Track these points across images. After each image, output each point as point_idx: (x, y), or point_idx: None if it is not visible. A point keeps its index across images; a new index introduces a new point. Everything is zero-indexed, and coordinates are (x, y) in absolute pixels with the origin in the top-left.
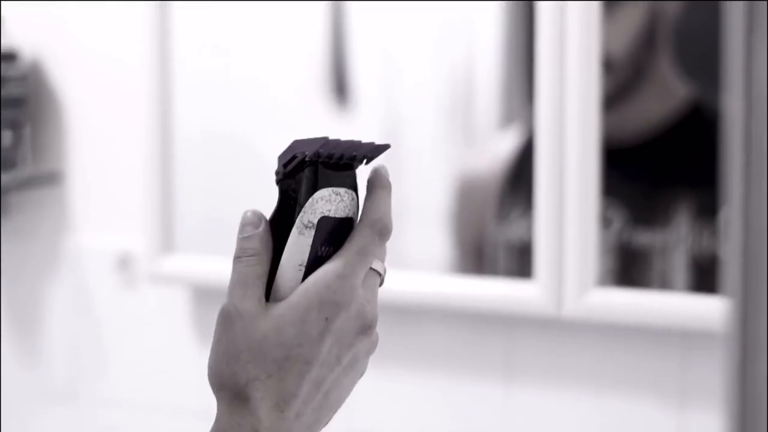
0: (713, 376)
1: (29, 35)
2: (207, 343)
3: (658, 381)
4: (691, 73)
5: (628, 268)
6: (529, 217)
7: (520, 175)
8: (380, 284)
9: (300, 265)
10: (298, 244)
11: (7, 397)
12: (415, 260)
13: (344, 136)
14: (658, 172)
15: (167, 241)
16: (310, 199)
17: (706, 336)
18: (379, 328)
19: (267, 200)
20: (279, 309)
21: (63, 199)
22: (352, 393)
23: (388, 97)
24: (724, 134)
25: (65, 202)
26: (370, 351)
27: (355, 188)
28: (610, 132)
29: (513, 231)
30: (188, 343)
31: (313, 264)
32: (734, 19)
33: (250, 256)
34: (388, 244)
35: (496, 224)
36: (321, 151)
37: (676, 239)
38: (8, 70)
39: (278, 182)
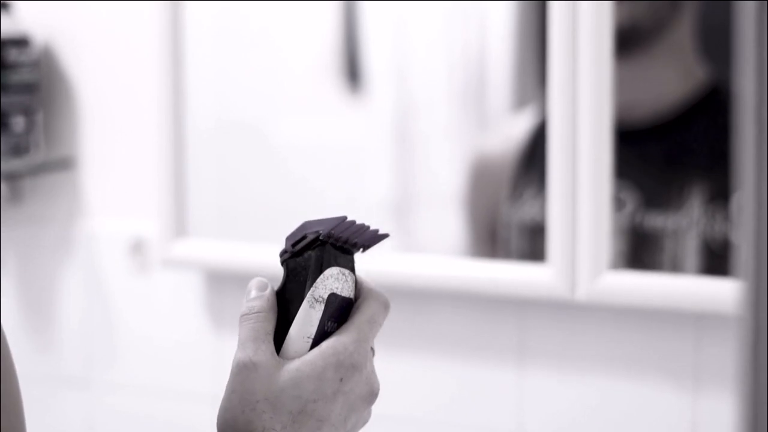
0: (727, 358)
1: (41, 20)
2: (220, 328)
3: (671, 363)
4: (710, 56)
5: (640, 250)
6: (541, 197)
7: (533, 157)
8: None
9: (308, 337)
10: (309, 316)
11: (19, 382)
12: (429, 243)
13: (358, 122)
14: (671, 154)
15: (180, 226)
16: (322, 275)
17: (720, 318)
18: (393, 311)
19: (278, 184)
20: (295, 364)
21: (76, 184)
22: None
23: (401, 81)
24: (738, 118)
25: (78, 188)
26: (366, 421)
27: (354, 272)
28: (624, 112)
29: (526, 211)
30: (201, 327)
31: (320, 338)
32: (747, 4)
33: (258, 312)
34: (402, 228)
35: (509, 205)
36: (333, 232)
37: (688, 222)
38: (20, 56)
39: (284, 261)
